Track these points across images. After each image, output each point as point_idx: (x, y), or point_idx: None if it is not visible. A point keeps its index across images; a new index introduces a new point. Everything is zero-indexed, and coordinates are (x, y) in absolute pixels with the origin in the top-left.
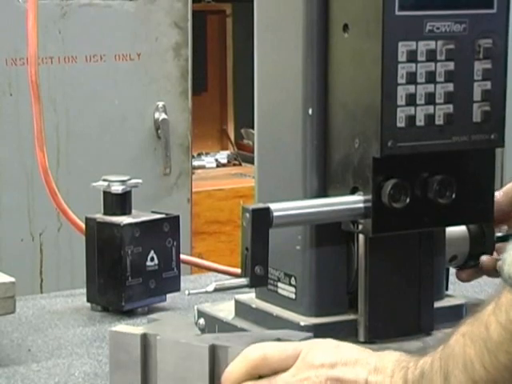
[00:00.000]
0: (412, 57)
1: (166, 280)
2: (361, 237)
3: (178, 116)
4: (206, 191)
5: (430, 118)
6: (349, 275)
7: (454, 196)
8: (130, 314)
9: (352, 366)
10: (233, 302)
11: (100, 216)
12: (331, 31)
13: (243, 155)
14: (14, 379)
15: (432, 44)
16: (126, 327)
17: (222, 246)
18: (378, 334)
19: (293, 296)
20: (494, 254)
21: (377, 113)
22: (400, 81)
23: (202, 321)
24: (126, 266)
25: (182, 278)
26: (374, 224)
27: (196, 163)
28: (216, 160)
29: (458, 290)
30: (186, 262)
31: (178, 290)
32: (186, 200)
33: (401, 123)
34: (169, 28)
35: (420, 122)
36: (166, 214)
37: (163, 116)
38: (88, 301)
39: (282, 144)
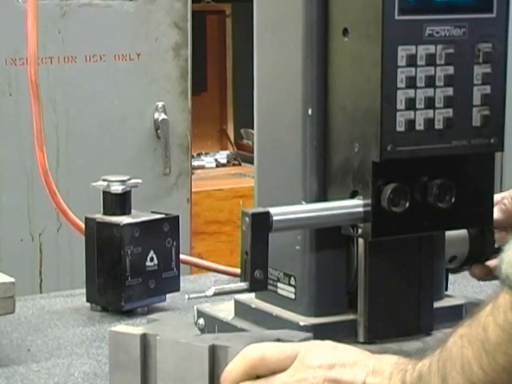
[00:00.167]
0: (412, 61)
1: (165, 280)
2: (360, 239)
3: (178, 116)
4: (205, 191)
5: (429, 123)
6: (348, 275)
7: (453, 200)
8: (129, 314)
9: (350, 368)
10: (232, 302)
11: (100, 216)
12: (331, 35)
13: (243, 155)
14: (13, 379)
15: (432, 48)
16: (125, 327)
17: (221, 246)
18: (377, 334)
19: (292, 296)
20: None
21: (376, 117)
22: (399, 85)
23: (201, 321)
24: (126, 266)
25: (181, 278)
26: (373, 228)
27: (196, 163)
28: (215, 160)
29: (457, 291)
30: (186, 262)
31: (178, 290)
32: (185, 200)
33: (400, 127)
34: (168, 28)
35: (419, 126)
36: (166, 214)
37: (163, 116)
38: (88, 301)
39: (282, 144)
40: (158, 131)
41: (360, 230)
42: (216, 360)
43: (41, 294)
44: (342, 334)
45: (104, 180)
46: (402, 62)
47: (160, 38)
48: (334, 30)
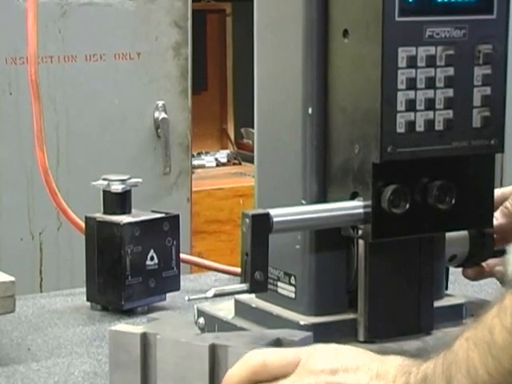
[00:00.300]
0: (412, 62)
1: (165, 279)
2: (361, 240)
3: (178, 115)
4: (205, 190)
5: (429, 124)
6: (348, 274)
7: (453, 201)
8: (129, 313)
9: (353, 372)
10: (232, 302)
11: (100, 215)
12: (331, 36)
13: (243, 154)
14: (13, 378)
15: (432, 49)
16: (125, 326)
17: (221, 245)
18: (377, 334)
19: (292, 295)
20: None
21: (376, 118)
22: (400, 86)
23: (201, 320)
24: (126, 265)
25: (181, 277)
26: (373, 229)
27: (196, 162)
28: (216, 159)
29: (457, 290)
30: (186, 262)
31: (178, 289)
32: (185, 199)
33: (400, 129)
34: (169, 27)
35: (420, 127)
36: (166, 213)
37: (163, 115)
38: (88, 300)
39: (282, 143)
40: (159, 130)
41: (360, 232)
42: (216, 359)
43: (41, 293)
44: (342, 333)
45: (104, 179)
46: (402, 63)
47: (160, 37)
48: (334, 31)
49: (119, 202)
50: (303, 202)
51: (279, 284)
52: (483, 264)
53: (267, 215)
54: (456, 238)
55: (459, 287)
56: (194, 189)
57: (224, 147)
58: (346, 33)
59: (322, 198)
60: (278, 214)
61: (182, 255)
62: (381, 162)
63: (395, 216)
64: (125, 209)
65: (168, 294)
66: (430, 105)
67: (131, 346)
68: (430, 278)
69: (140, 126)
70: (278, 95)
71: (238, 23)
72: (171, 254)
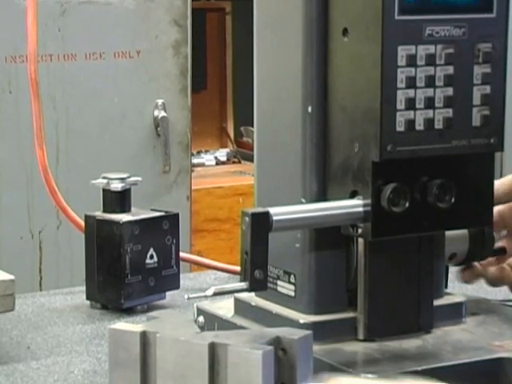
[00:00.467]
0: (411, 61)
1: (165, 278)
2: (360, 238)
3: (178, 114)
4: (205, 189)
5: (429, 122)
6: (348, 273)
7: (453, 200)
8: (129, 311)
9: None
10: (232, 300)
11: (99, 214)
12: (331, 35)
13: (242, 153)
14: (13, 377)
15: (431, 48)
16: (125, 325)
17: (221, 244)
18: (377, 332)
19: (292, 294)
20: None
21: (376, 117)
22: (399, 85)
23: (201, 318)
24: (126, 264)
25: (181, 275)
26: (373, 228)
27: (195, 161)
28: (215, 158)
29: (457, 288)
30: (186, 260)
31: (178, 287)
32: (185, 198)
33: (400, 127)
34: (168, 26)
35: (419, 126)
36: (166, 212)
37: (163, 114)
38: (87, 298)
39: (282, 142)
40: (158, 129)
41: (360, 230)
42: (216, 358)
43: (40, 292)
44: (341, 331)
45: (104, 178)
46: (401, 61)
47: (160, 35)
48: (334, 30)
49: (119, 200)
50: (303, 200)
51: (279, 282)
52: (476, 264)
53: (267, 214)
54: (456, 236)
55: (459, 286)
56: (193, 187)
57: (224, 146)
58: (345, 31)
59: (322, 196)
60: (278, 212)
61: (181, 254)
62: (380, 161)
63: (395, 214)
64: (124, 207)
65: (167, 293)
66: (430, 103)
67: (131, 345)
68: (430, 276)
69: (140, 124)
70: (278, 94)
71: (238, 22)
72: (171, 252)
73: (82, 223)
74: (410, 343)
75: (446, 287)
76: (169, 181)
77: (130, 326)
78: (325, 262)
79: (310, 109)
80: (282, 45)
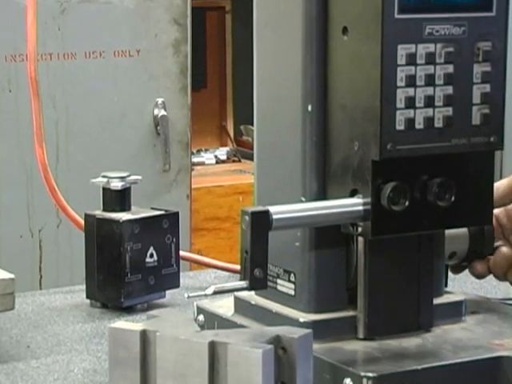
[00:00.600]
0: (411, 60)
1: (165, 276)
2: (360, 237)
3: (178, 112)
4: (205, 188)
5: (429, 121)
6: (348, 271)
7: (453, 198)
8: (129, 310)
9: None
10: (232, 299)
11: (99, 212)
12: (330, 34)
13: (242, 152)
14: (13, 375)
15: (431, 47)
16: (125, 324)
17: (221, 243)
18: (377, 331)
19: (292, 292)
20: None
21: (376, 116)
22: (399, 84)
23: (201, 317)
24: (126, 263)
25: (181, 274)
26: (373, 227)
27: (195, 160)
28: (215, 156)
29: (457, 287)
30: (186, 259)
31: (178, 286)
32: (185, 196)
33: (400, 126)
34: (168, 24)
35: (419, 124)
36: (166, 211)
37: (162, 112)
38: (87, 297)
39: (282, 141)
40: (158, 127)
41: (360, 229)
42: (216, 356)
43: (40, 291)
44: (341, 330)
45: (104, 176)
46: (401, 60)
47: (160, 34)
48: (334, 28)
49: (119, 199)
50: (303, 199)
51: (279, 281)
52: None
53: (267, 212)
54: (456, 235)
55: (459, 284)
56: (193, 186)
57: (223, 144)
58: (345, 30)
59: (322, 195)
60: (278, 211)
61: (181, 252)
62: (380, 160)
63: (395, 213)
64: (124, 206)
65: (167, 292)
66: (430, 102)
67: (131, 344)
68: (430, 275)
69: (139, 123)
70: (278, 92)
71: (238, 20)
72: (171, 251)
73: (82, 222)
74: (410, 342)
75: (446, 286)
76: (169, 179)
77: (130, 324)
78: (325, 260)
79: (309, 107)
80: (281, 43)
